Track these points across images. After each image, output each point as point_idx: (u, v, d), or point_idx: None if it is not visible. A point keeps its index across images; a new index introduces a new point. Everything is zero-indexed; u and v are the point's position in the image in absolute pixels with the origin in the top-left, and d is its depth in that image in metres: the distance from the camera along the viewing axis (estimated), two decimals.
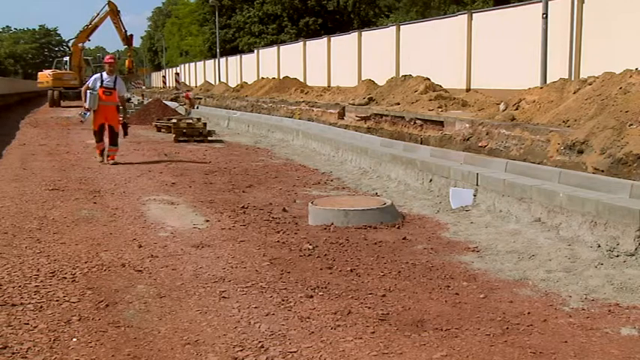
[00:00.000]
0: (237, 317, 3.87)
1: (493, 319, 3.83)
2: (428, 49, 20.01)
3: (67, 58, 40.85)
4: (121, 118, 11.46)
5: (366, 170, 9.95)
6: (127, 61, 38.55)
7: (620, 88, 7.91)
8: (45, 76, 37.60)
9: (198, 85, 47.78)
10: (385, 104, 14.52)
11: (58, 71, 37.89)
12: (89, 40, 40.53)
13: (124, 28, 38.06)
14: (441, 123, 11.13)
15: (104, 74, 11.03)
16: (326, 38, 28.45)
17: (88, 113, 11.09)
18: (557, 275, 4.69)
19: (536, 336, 3.60)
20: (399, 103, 14.01)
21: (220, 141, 15.51)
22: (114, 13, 36.95)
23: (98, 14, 37.41)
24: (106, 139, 11.09)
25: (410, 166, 8.62)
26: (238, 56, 42.06)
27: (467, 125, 10.14)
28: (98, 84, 10.87)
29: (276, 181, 9.20)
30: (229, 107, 25.42)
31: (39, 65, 65.05)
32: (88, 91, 10.85)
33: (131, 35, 38.84)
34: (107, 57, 11.53)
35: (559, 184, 6.44)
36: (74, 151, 13.30)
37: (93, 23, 37.71)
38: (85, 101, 10.95)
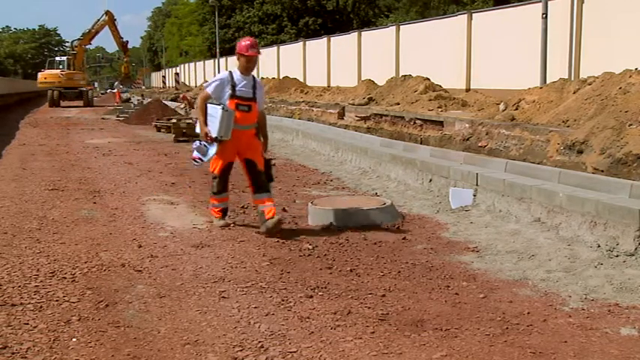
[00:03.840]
0: (237, 317, 3.87)
1: (493, 319, 3.83)
2: (428, 49, 20.00)
3: (62, 58, 41.40)
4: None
5: (365, 170, 9.95)
6: (122, 67, 40.77)
7: (620, 88, 7.91)
8: (56, 75, 37.46)
9: (198, 85, 47.76)
10: (385, 104, 14.52)
11: (68, 71, 38.14)
12: (90, 44, 42.26)
13: (121, 36, 40.44)
14: (440, 123, 11.13)
15: (236, 73, 5.93)
16: (326, 38, 28.45)
17: (213, 148, 5.87)
18: (556, 275, 4.69)
19: (536, 336, 3.60)
20: (398, 103, 14.01)
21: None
22: (111, 21, 39.20)
23: (98, 21, 39.05)
24: (225, 187, 6.36)
25: (410, 166, 8.62)
26: None
27: (467, 125, 10.14)
28: (228, 92, 5.85)
29: (275, 181, 9.15)
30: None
31: (39, 65, 65.05)
32: (213, 106, 5.83)
33: (127, 42, 40.69)
34: (244, 43, 5.90)
35: (559, 184, 6.44)
36: (74, 151, 13.31)
37: (94, 29, 39.29)
38: (206, 124, 5.85)
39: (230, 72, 5.98)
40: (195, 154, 5.96)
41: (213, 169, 6.16)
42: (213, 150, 5.89)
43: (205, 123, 5.87)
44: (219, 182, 6.19)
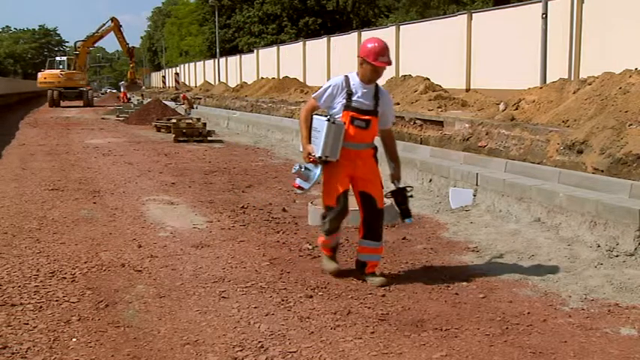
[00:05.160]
0: (237, 317, 3.87)
1: (493, 319, 3.83)
2: (428, 49, 19.99)
3: (62, 58, 41.82)
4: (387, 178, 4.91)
5: None
6: (129, 72, 41.56)
7: (620, 88, 7.91)
8: (56, 75, 37.56)
9: (197, 85, 47.76)
10: None
11: (68, 71, 38.29)
12: (93, 47, 43.29)
13: (127, 42, 41.48)
14: (440, 123, 11.12)
15: (353, 79, 4.59)
16: (326, 38, 28.43)
17: (317, 171, 4.57)
18: (556, 275, 4.69)
19: (536, 336, 3.60)
20: (398, 103, 14.00)
21: (220, 141, 15.50)
22: (117, 28, 40.14)
23: (103, 26, 39.89)
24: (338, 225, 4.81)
25: (409, 165, 8.61)
26: (238, 56, 42.03)
27: (466, 125, 10.14)
28: (341, 101, 4.56)
29: (275, 181, 9.20)
30: (229, 107, 25.42)
31: (39, 65, 65.20)
32: (318, 118, 4.60)
33: (133, 47, 41.40)
34: (371, 46, 4.49)
35: (559, 184, 6.44)
36: (74, 151, 13.31)
37: (99, 33, 40.13)
38: (310, 141, 4.58)
39: (346, 76, 4.60)
40: (297, 181, 4.69)
41: (327, 202, 4.59)
42: (317, 174, 4.55)
43: (309, 140, 4.57)
44: (335, 218, 4.58)
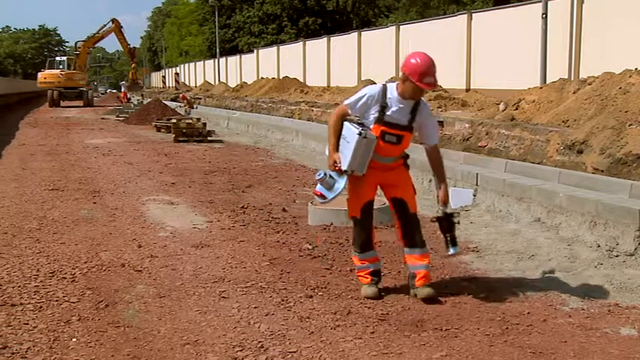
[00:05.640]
0: (237, 317, 3.87)
1: (493, 319, 3.83)
2: (427, 49, 19.74)
3: (62, 58, 41.96)
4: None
5: None
6: (130, 73, 41.92)
7: (620, 88, 7.91)
8: (56, 75, 37.57)
9: (197, 85, 47.76)
10: None
11: (68, 71, 38.34)
12: (94, 47, 43.64)
13: (128, 43, 41.79)
14: (440, 123, 11.11)
15: (391, 92, 4.22)
16: (325, 38, 28.44)
17: (342, 182, 4.29)
18: (556, 275, 4.69)
19: (536, 336, 3.60)
20: None
21: (220, 141, 15.50)
22: (118, 29, 40.37)
23: (104, 27, 40.15)
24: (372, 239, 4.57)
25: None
26: (238, 56, 42.05)
27: (466, 125, 10.13)
28: (374, 114, 4.21)
29: (275, 181, 9.20)
30: (229, 107, 25.42)
31: (39, 65, 65.23)
32: (349, 126, 4.21)
33: (134, 48, 41.65)
34: (416, 63, 4.08)
35: (559, 184, 6.44)
36: (74, 151, 13.31)
37: (100, 34, 40.35)
38: (337, 149, 4.28)
39: (384, 88, 4.23)
40: (319, 188, 4.39)
41: (352, 213, 4.38)
42: (341, 184, 4.26)
43: (336, 148, 4.26)
44: (362, 230, 4.36)
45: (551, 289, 4.38)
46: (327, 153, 4.36)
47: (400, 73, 4.17)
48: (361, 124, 4.16)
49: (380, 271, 4.45)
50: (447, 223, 4.24)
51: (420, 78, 4.02)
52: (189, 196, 8.02)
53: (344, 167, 4.18)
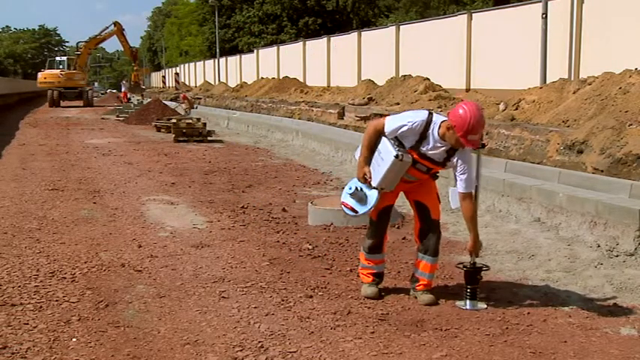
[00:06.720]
0: (237, 317, 3.87)
1: (493, 319, 3.84)
2: (428, 49, 19.99)
3: (62, 58, 42.16)
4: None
5: None
6: (132, 75, 42.46)
7: (620, 88, 7.91)
8: (56, 75, 37.67)
9: (197, 85, 47.74)
10: (385, 104, 14.51)
11: (68, 71, 38.41)
12: (95, 48, 44.01)
13: (130, 45, 42.25)
14: None
15: (434, 130, 4.02)
16: (325, 38, 28.42)
17: (374, 196, 4.19)
18: (556, 275, 4.69)
19: (536, 336, 3.60)
20: (398, 103, 14.01)
21: (220, 141, 15.50)
22: (120, 32, 40.74)
23: (106, 29, 40.43)
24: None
25: None
26: (238, 56, 42.04)
27: None
28: (411, 142, 4.07)
29: (275, 181, 9.20)
30: (229, 107, 25.41)
31: (39, 65, 65.25)
32: (386, 143, 4.10)
33: (136, 50, 41.93)
34: (465, 116, 3.86)
35: (558, 184, 6.44)
36: (74, 151, 13.31)
37: (101, 36, 40.62)
38: (368, 162, 4.19)
39: (429, 120, 4.03)
40: (349, 200, 4.28)
41: (369, 214, 4.37)
42: (373, 199, 4.17)
43: (368, 161, 4.17)
44: (375, 232, 4.37)
45: (551, 289, 4.39)
46: (356, 157, 4.29)
47: (449, 121, 3.96)
48: (399, 143, 4.05)
49: (383, 273, 4.45)
50: (470, 276, 4.12)
51: (464, 134, 3.86)
52: (189, 196, 8.02)
53: (374, 184, 4.12)
